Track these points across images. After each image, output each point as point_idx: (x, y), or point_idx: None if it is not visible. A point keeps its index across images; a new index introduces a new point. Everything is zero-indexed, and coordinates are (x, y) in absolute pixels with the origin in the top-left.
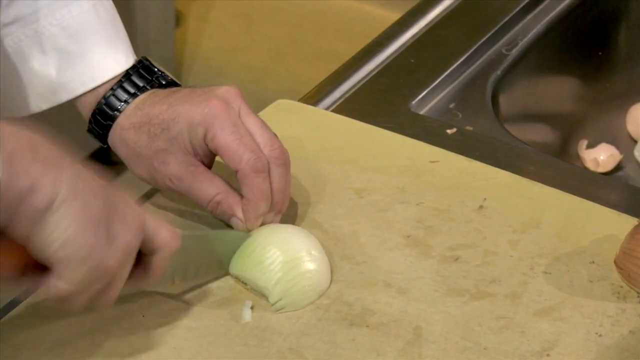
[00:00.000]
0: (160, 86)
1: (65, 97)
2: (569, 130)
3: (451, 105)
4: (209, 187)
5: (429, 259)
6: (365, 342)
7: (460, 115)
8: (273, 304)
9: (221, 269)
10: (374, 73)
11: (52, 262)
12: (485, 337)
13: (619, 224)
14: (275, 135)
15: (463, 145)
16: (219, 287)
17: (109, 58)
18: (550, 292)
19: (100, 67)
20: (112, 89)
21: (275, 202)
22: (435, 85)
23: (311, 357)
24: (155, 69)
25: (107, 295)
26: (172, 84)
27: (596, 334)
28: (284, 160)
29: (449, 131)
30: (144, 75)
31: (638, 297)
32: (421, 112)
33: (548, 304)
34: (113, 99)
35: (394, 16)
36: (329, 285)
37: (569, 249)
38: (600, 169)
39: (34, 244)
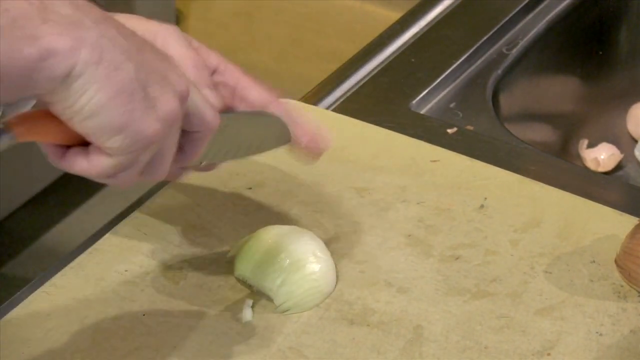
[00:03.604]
0: None
1: None
2: (570, 130)
3: (452, 105)
4: None
5: (429, 258)
6: (366, 341)
7: (461, 115)
8: (278, 306)
9: (261, 149)
10: (374, 72)
11: (85, 134)
12: (485, 337)
13: (620, 223)
14: None
15: (464, 145)
16: (220, 286)
17: None
18: (551, 292)
19: None
20: None
21: None
22: (436, 84)
23: (312, 356)
24: None
25: (157, 168)
26: None
27: (597, 333)
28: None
29: (449, 131)
30: None
31: (639, 296)
32: (422, 112)
33: (549, 303)
34: None
35: (394, 15)
36: (335, 287)
37: (569, 248)
38: (601, 169)
39: (62, 114)
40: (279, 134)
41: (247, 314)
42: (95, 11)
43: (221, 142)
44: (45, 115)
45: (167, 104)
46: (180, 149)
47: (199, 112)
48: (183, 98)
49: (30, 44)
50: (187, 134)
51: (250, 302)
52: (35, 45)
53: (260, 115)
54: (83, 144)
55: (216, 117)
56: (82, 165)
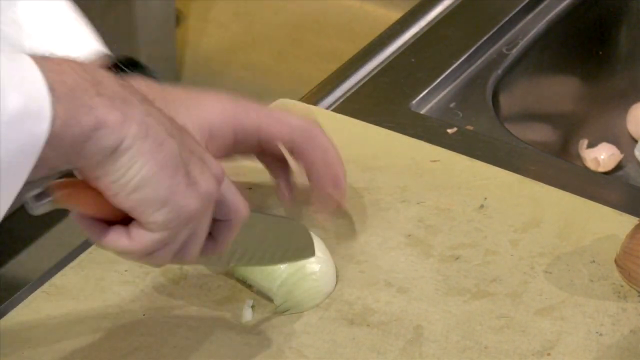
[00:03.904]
0: None
1: None
2: (570, 130)
3: (452, 105)
4: None
5: (429, 258)
6: (366, 341)
7: (461, 115)
8: (278, 306)
9: (286, 259)
10: (374, 72)
11: (129, 209)
12: (485, 337)
13: (620, 223)
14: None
15: (464, 145)
16: (220, 286)
17: None
18: (551, 292)
19: None
20: None
21: None
22: (436, 84)
23: (312, 356)
24: None
25: (190, 249)
26: None
27: (597, 333)
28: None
29: (449, 131)
30: None
31: (639, 296)
32: (422, 112)
33: (549, 303)
34: None
35: (394, 15)
36: (334, 287)
37: (569, 248)
38: (601, 169)
39: (107, 188)
40: (303, 245)
41: (247, 314)
42: (138, 92)
43: (247, 243)
44: (85, 185)
45: (206, 184)
46: (210, 236)
47: (231, 199)
48: (219, 181)
49: (86, 112)
50: (217, 222)
51: (250, 302)
52: (91, 115)
53: (288, 222)
54: (116, 219)
55: (246, 207)
56: (124, 242)
